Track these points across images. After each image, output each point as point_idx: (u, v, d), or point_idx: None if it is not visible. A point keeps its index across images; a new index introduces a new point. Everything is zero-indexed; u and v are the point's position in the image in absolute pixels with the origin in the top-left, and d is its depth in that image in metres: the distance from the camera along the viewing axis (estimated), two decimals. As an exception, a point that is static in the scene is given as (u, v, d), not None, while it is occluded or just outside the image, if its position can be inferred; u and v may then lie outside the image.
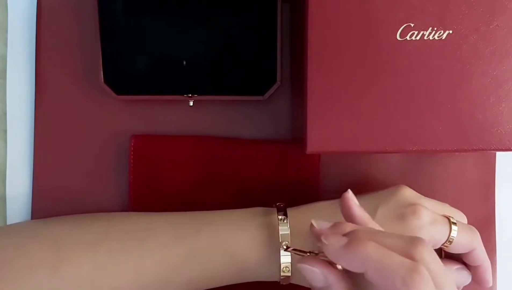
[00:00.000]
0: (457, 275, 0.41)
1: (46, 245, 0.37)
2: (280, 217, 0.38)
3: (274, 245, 0.37)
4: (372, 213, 0.38)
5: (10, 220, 0.45)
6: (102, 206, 0.44)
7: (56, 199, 0.44)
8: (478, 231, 0.40)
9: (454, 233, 0.38)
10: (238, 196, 0.44)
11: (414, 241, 0.30)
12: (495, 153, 0.46)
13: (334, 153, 0.42)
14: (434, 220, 0.38)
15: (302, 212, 0.40)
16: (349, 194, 0.35)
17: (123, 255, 0.37)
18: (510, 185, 0.46)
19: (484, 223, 0.46)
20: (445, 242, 0.38)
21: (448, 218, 0.39)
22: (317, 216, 0.38)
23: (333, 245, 0.31)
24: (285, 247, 0.36)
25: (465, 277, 0.41)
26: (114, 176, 0.45)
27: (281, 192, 0.44)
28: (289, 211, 0.39)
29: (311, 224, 0.34)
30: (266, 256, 0.38)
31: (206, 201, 0.44)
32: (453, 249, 0.39)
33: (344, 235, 0.31)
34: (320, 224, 0.33)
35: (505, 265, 0.46)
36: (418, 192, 0.41)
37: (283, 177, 0.44)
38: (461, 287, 0.42)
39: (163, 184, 0.44)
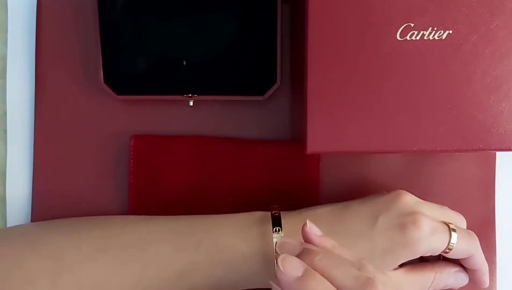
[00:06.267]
0: (455, 278, 0.41)
1: (45, 256, 0.37)
2: (274, 229, 0.38)
3: (271, 257, 0.37)
4: (373, 222, 0.38)
5: (10, 219, 0.45)
6: (102, 206, 0.44)
7: (56, 199, 0.44)
8: (478, 231, 0.41)
9: (454, 240, 0.38)
10: (237, 196, 0.44)
11: (365, 287, 0.29)
12: (495, 153, 0.46)
13: (334, 153, 0.42)
14: (434, 229, 0.38)
15: (300, 219, 0.39)
16: (307, 227, 0.34)
17: (123, 268, 0.37)
18: (510, 185, 0.46)
19: (484, 223, 0.46)
20: (444, 249, 0.38)
21: (448, 225, 0.39)
22: (315, 225, 0.39)
23: (286, 274, 0.31)
24: None
25: (462, 280, 0.41)
26: (114, 176, 0.45)
27: (281, 192, 0.44)
28: (287, 217, 0.39)
29: (304, 225, 0.34)
30: (264, 267, 0.38)
31: (206, 201, 0.44)
32: (452, 255, 0.39)
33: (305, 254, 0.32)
34: (311, 227, 0.34)
35: (505, 265, 0.46)
36: (418, 193, 0.41)
37: (283, 177, 0.44)
38: (458, 288, 0.42)
39: (163, 184, 0.44)
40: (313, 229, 0.34)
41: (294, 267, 0.31)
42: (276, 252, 0.37)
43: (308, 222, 0.34)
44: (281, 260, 0.31)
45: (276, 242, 0.37)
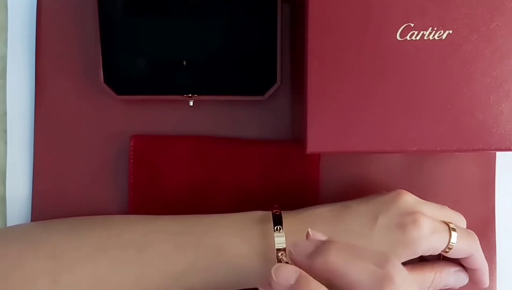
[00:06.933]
0: (455, 278, 0.41)
1: (45, 256, 0.37)
2: (275, 228, 0.38)
3: (272, 256, 0.37)
4: (373, 221, 0.38)
5: (10, 220, 0.45)
6: (102, 206, 0.44)
7: (56, 199, 0.44)
8: (478, 231, 0.41)
9: (453, 240, 0.38)
10: (237, 196, 0.44)
11: (382, 283, 0.28)
12: (495, 153, 0.46)
13: (334, 153, 0.42)
14: (434, 229, 0.38)
15: (300, 218, 0.39)
16: (311, 235, 0.33)
17: (123, 267, 0.37)
18: (510, 185, 0.46)
19: (484, 223, 0.46)
20: (444, 249, 0.38)
21: (447, 224, 0.39)
22: (316, 225, 0.39)
23: (279, 283, 0.30)
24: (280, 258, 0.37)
25: (462, 279, 0.41)
26: (114, 176, 0.45)
27: (281, 192, 0.44)
28: (287, 216, 0.39)
29: (307, 233, 0.33)
30: (265, 267, 0.38)
31: (206, 201, 0.44)
32: (452, 254, 0.39)
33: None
34: (315, 235, 0.33)
35: (505, 265, 0.46)
36: (418, 193, 0.41)
37: (283, 177, 0.44)
38: (458, 288, 0.42)
39: (163, 184, 0.44)
40: (316, 236, 0.33)
41: (286, 276, 0.30)
42: (277, 250, 0.37)
43: (310, 230, 0.33)
44: (274, 270, 0.30)
45: (277, 241, 0.37)
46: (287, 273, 0.30)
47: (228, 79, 0.42)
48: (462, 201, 0.45)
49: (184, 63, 0.42)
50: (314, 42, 0.36)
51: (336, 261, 0.30)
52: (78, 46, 0.44)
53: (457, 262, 0.41)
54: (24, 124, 0.45)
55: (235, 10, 0.41)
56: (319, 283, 0.29)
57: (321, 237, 0.33)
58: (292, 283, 0.29)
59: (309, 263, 0.30)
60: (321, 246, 0.31)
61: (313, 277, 0.30)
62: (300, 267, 0.30)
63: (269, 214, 0.39)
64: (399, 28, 0.36)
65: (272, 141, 0.45)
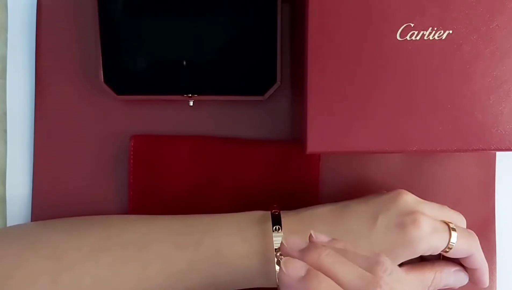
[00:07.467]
0: (455, 277, 0.41)
1: (45, 256, 0.37)
2: (274, 228, 0.38)
3: (271, 256, 0.37)
4: (373, 221, 0.38)
5: (10, 219, 0.45)
6: (102, 206, 0.44)
7: (56, 199, 0.44)
8: (478, 231, 0.41)
9: (453, 240, 0.38)
10: (237, 196, 0.44)
11: (369, 286, 0.29)
12: (495, 153, 0.46)
13: (334, 153, 0.42)
14: (434, 229, 0.38)
15: (300, 218, 0.40)
16: (314, 237, 0.33)
17: (123, 267, 0.37)
18: (510, 185, 0.46)
19: (484, 223, 0.46)
20: (444, 249, 0.38)
21: (447, 224, 0.39)
22: (315, 225, 0.39)
23: (289, 275, 0.30)
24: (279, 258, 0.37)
25: (462, 279, 0.41)
26: (114, 176, 0.45)
27: (281, 192, 0.44)
28: (287, 216, 0.39)
29: (310, 235, 0.33)
30: (264, 266, 0.38)
31: (206, 200, 0.44)
32: (452, 254, 0.39)
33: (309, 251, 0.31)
34: (318, 237, 0.33)
35: (505, 265, 0.46)
36: (418, 193, 0.41)
37: (283, 177, 0.44)
38: (458, 287, 0.42)
39: (163, 184, 0.44)
40: (320, 238, 0.33)
41: (297, 268, 0.30)
42: (276, 250, 0.37)
43: (312, 232, 0.34)
44: (284, 263, 0.31)
45: (275, 241, 0.37)
46: (297, 265, 0.31)
47: (228, 79, 0.42)
48: (462, 201, 0.45)
49: (184, 63, 0.42)
50: (314, 42, 0.36)
51: (328, 260, 0.30)
52: (78, 46, 0.44)
53: (457, 262, 0.41)
54: (24, 124, 0.45)
55: (235, 10, 0.41)
56: (326, 277, 0.30)
57: (324, 238, 0.33)
58: (303, 274, 0.30)
59: (301, 258, 0.31)
60: (315, 245, 0.32)
61: None
62: None
63: (268, 214, 0.39)
64: (399, 28, 0.36)
65: (272, 141, 0.45)
